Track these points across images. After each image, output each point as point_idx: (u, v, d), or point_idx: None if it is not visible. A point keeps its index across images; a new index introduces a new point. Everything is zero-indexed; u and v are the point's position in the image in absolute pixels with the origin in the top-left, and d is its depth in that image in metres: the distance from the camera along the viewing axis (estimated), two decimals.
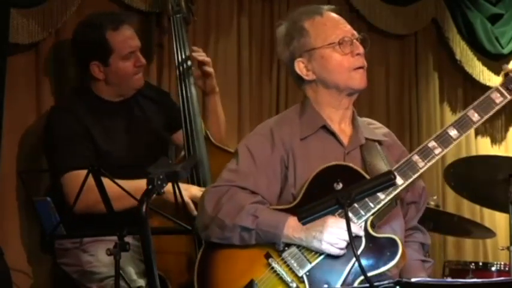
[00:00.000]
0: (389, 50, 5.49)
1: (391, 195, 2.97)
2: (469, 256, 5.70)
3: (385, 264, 2.91)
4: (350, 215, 2.87)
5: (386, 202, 2.98)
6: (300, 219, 2.69)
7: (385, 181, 2.66)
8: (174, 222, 3.34)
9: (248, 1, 4.87)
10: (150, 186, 2.51)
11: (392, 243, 2.93)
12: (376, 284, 2.50)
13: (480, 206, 5.56)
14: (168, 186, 2.65)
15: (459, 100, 5.88)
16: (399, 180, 2.95)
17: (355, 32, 3.15)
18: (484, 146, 5.91)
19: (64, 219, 3.34)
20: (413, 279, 2.51)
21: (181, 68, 3.98)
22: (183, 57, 3.99)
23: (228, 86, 4.75)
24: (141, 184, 3.23)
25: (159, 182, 2.51)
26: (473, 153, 5.73)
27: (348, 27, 3.15)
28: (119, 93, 3.90)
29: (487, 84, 5.85)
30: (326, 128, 3.12)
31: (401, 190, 3.00)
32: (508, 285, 2.62)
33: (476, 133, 5.95)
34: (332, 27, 3.13)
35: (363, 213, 2.96)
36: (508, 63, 5.92)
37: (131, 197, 3.11)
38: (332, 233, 2.89)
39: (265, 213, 2.96)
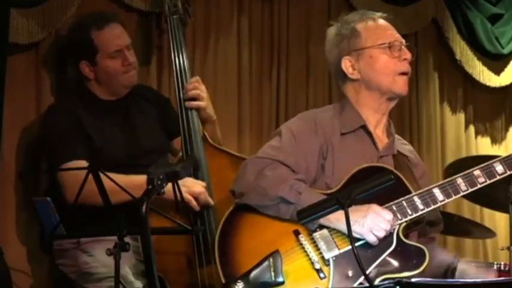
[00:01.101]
0: None
1: (430, 208, 3.06)
2: (469, 256, 5.69)
3: (409, 270, 2.98)
4: None
5: (424, 213, 3.06)
6: (299, 219, 2.72)
7: (385, 181, 2.68)
8: (174, 222, 3.34)
9: (248, 1, 4.86)
10: (150, 186, 2.51)
11: (421, 252, 3.02)
12: (376, 284, 2.52)
13: (480, 206, 5.56)
14: (168, 186, 2.65)
15: (459, 100, 5.88)
16: (440, 196, 3.06)
17: (403, 40, 3.25)
18: (484, 146, 5.91)
19: (64, 219, 3.33)
20: (413, 280, 2.52)
21: (178, 69, 3.98)
22: (181, 58, 3.99)
23: (228, 86, 4.75)
24: (136, 179, 3.24)
25: (159, 182, 2.50)
26: (473, 153, 5.73)
27: (398, 34, 3.26)
28: (111, 91, 3.90)
29: (487, 84, 5.85)
30: (365, 129, 3.20)
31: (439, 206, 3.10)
32: (508, 285, 2.63)
33: (477, 133, 5.95)
34: (383, 31, 3.24)
35: (399, 216, 3.03)
36: (508, 63, 5.94)
37: (127, 192, 3.11)
38: (375, 219, 2.95)
39: (308, 192, 3.02)
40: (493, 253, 5.79)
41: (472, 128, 5.93)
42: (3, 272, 3.49)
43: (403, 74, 3.21)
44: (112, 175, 3.18)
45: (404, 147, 3.34)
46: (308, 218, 2.70)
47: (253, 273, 2.92)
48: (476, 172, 3.09)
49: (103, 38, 3.81)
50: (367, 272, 2.92)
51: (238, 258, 3.00)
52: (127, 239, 3.17)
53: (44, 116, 3.92)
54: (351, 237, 2.59)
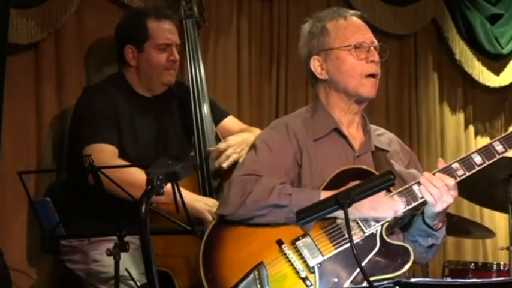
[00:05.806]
0: (389, 50, 5.47)
1: (412, 205, 3.02)
2: (469, 256, 5.70)
3: (394, 270, 2.96)
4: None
5: (406, 211, 3.02)
6: (298, 220, 2.71)
7: (385, 181, 2.67)
8: (174, 222, 3.34)
9: (248, 1, 4.87)
10: (149, 187, 2.50)
11: (405, 252, 2.99)
12: (376, 284, 2.51)
13: (480, 206, 5.56)
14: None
15: (459, 100, 5.88)
16: (420, 194, 3.01)
17: (374, 40, 3.19)
18: None
19: (63, 220, 3.34)
20: (412, 280, 2.52)
21: (193, 71, 3.98)
22: (195, 59, 4.00)
23: (228, 86, 4.75)
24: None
25: (158, 183, 2.50)
26: None
27: (369, 34, 3.19)
28: (148, 86, 3.90)
29: (487, 84, 5.86)
30: (338, 131, 3.16)
31: (420, 204, 3.04)
32: (508, 285, 2.63)
33: (476, 133, 5.96)
34: (353, 31, 3.17)
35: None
36: (507, 63, 5.95)
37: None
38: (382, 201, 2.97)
39: (297, 191, 3.00)
40: (492, 253, 5.79)
41: (471, 128, 5.94)
42: (3, 272, 3.49)
43: (371, 76, 3.14)
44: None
45: (381, 139, 3.26)
46: (307, 218, 2.69)
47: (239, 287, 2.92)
48: (455, 165, 3.01)
49: (158, 28, 3.88)
50: (354, 275, 2.92)
51: (224, 273, 2.97)
52: (131, 239, 3.19)
53: (78, 98, 3.90)
54: (351, 241, 2.58)
